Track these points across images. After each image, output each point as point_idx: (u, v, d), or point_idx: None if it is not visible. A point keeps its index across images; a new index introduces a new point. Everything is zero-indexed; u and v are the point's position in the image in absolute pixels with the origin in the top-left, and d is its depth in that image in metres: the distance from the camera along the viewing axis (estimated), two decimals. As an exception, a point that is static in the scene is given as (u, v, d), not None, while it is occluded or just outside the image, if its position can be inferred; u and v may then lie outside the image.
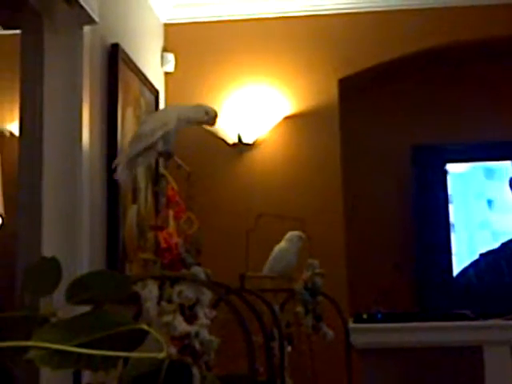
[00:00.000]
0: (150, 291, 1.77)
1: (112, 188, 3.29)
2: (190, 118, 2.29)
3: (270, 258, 3.25)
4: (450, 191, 4.59)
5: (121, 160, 2.32)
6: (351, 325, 3.89)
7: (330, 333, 3.16)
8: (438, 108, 4.84)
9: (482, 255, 4.58)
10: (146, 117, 3.70)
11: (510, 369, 4.10)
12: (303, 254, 3.24)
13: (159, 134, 2.19)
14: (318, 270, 3.17)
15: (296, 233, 3.24)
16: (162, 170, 2.17)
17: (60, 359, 0.67)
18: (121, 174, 2.33)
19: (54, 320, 0.74)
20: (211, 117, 2.32)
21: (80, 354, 0.67)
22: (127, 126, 3.52)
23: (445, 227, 4.57)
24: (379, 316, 4.28)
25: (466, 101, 4.82)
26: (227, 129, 4.32)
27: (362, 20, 4.41)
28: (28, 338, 0.67)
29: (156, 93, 4.14)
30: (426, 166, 4.66)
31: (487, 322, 4.18)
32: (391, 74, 4.74)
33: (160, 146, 2.20)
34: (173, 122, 2.19)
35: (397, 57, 4.44)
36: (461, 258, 4.59)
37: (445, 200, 4.59)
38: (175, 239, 1.93)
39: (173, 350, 1.71)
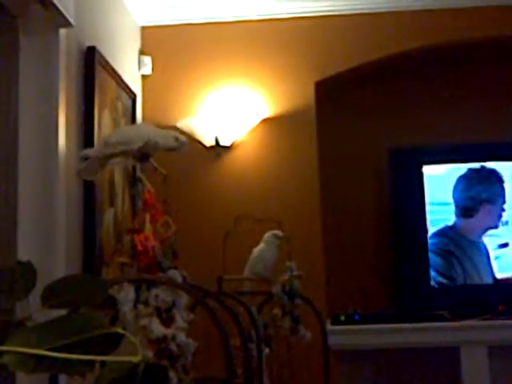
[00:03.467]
0: (126, 295, 1.77)
1: (88, 191, 3.28)
2: (158, 144, 2.26)
3: (249, 260, 3.25)
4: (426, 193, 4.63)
5: (89, 158, 2.30)
6: (329, 326, 3.90)
7: (308, 335, 3.16)
8: (415, 111, 4.87)
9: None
10: (122, 126, 3.69)
11: (487, 369, 4.13)
12: (281, 255, 3.24)
13: (119, 149, 2.17)
14: (295, 273, 3.18)
15: (272, 232, 3.25)
16: (138, 173, 2.16)
17: (35, 363, 0.66)
18: (86, 172, 2.33)
19: (29, 324, 0.74)
20: (181, 144, 2.29)
21: (56, 358, 0.67)
22: (104, 129, 3.51)
23: (422, 229, 4.60)
24: (356, 317, 4.30)
25: (442, 103, 4.86)
26: (204, 131, 4.32)
27: (338, 23, 4.42)
28: (3, 343, 0.67)
29: (133, 96, 4.13)
30: (403, 168, 4.68)
31: (464, 322, 4.21)
32: (368, 77, 4.76)
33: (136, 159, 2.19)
34: (137, 144, 2.17)
35: (373, 60, 4.46)
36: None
37: (421, 202, 4.62)
38: (152, 242, 1.93)
39: (149, 354, 1.70)
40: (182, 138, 2.30)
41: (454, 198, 4.67)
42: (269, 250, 3.23)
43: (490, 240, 4.65)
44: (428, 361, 4.42)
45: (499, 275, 4.58)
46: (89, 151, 2.34)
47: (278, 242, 3.25)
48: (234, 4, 4.42)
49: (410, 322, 4.26)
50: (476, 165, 4.69)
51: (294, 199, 4.31)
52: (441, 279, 4.60)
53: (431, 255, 4.59)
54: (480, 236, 4.66)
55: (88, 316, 0.72)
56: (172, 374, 1.71)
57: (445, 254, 4.64)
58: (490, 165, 4.68)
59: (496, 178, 4.69)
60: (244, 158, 4.37)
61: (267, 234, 3.27)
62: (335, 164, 4.78)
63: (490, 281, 4.58)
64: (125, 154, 2.17)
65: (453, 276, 4.61)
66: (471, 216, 4.68)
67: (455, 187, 4.68)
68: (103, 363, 0.70)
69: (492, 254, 4.62)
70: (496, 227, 4.65)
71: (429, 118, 4.84)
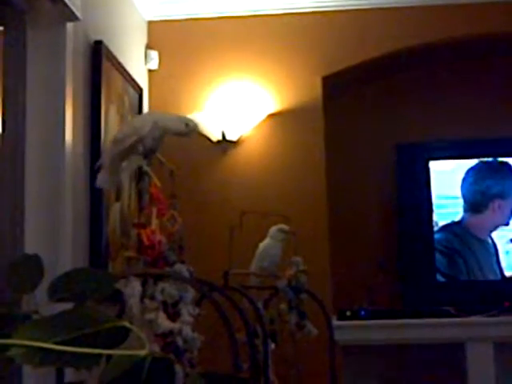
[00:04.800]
0: (132, 289, 1.77)
1: (95, 185, 3.28)
2: (168, 128, 2.23)
3: (256, 254, 3.25)
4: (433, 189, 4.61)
5: (102, 166, 2.29)
6: (335, 322, 3.90)
7: (314, 330, 3.16)
8: (422, 106, 4.85)
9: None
10: (126, 121, 3.69)
11: (493, 365, 4.13)
12: (288, 250, 3.24)
13: (131, 140, 2.15)
14: (301, 268, 3.18)
15: (278, 226, 3.25)
16: (144, 167, 2.16)
17: (42, 357, 0.66)
18: (101, 181, 2.30)
19: (36, 317, 0.74)
20: (191, 129, 2.27)
21: (62, 352, 0.67)
22: (110, 123, 3.51)
23: (428, 224, 4.59)
24: (363, 313, 4.29)
25: (450, 98, 4.84)
26: (211, 126, 4.31)
27: (345, 18, 4.41)
28: (10, 336, 0.67)
29: (140, 90, 4.13)
30: (410, 163, 4.66)
31: (470, 318, 4.20)
32: (375, 72, 4.75)
33: (141, 150, 2.17)
34: (146, 129, 2.16)
35: (380, 55, 4.45)
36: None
37: (428, 197, 4.61)
38: (158, 237, 1.93)
39: (156, 348, 1.70)
40: (193, 122, 2.26)
41: (462, 192, 4.61)
42: (275, 245, 3.23)
43: (500, 234, 4.59)
44: (433, 356, 4.42)
45: (508, 273, 4.54)
46: (100, 160, 2.33)
47: (284, 236, 3.25)
48: (240, -1, 4.42)
49: (416, 317, 4.26)
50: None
51: (300, 194, 4.30)
52: (445, 277, 4.58)
53: (436, 252, 4.58)
54: (489, 233, 4.60)
55: (95, 310, 0.72)
56: (178, 368, 1.71)
57: (449, 251, 4.61)
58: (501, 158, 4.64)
59: (509, 172, 4.61)
60: (250, 153, 4.37)
61: (273, 229, 3.26)
62: (342, 159, 4.77)
63: (497, 278, 4.56)
64: (137, 144, 2.15)
65: (457, 274, 4.59)
66: (480, 212, 4.62)
67: (464, 180, 4.60)
68: (109, 357, 0.70)
69: (501, 249, 4.57)
70: (507, 224, 4.57)
71: (436, 113, 4.82)
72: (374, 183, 4.83)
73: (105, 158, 2.31)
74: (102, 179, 2.28)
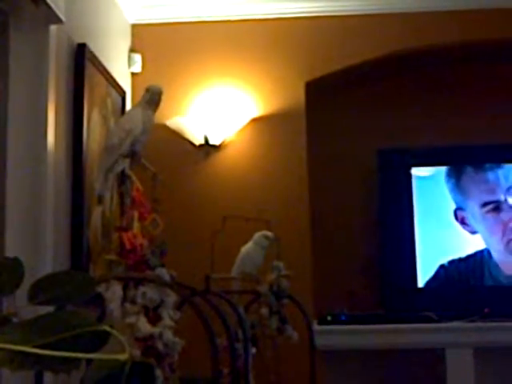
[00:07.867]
0: (113, 292, 1.76)
1: (77, 188, 3.27)
2: (144, 105, 2.30)
3: (237, 259, 3.25)
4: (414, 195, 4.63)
5: (98, 176, 2.32)
6: (315, 326, 3.90)
7: (295, 334, 3.17)
8: (404, 112, 4.87)
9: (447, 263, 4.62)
10: (112, 127, 3.69)
11: (472, 371, 4.14)
12: (270, 255, 3.24)
13: (128, 142, 2.19)
14: (283, 272, 3.18)
15: (262, 233, 3.25)
16: (127, 170, 2.16)
17: (21, 360, 0.66)
18: (102, 190, 2.34)
19: (15, 320, 0.74)
20: (154, 91, 2.33)
21: (41, 356, 0.66)
22: (93, 126, 3.50)
23: (410, 230, 4.60)
24: (343, 317, 4.30)
25: (432, 105, 4.86)
26: (194, 130, 4.31)
27: (328, 24, 4.43)
28: (-12, 339, 0.67)
29: (123, 93, 4.12)
30: (392, 169, 4.68)
31: (450, 324, 4.22)
32: (358, 78, 4.77)
33: (127, 150, 2.20)
34: (138, 129, 2.19)
35: (363, 61, 4.46)
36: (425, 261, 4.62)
37: (409, 204, 4.62)
38: (140, 240, 1.92)
39: (136, 352, 1.70)
40: (154, 86, 2.36)
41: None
42: (257, 250, 3.23)
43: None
44: (414, 362, 4.43)
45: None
46: (97, 175, 2.38)
47: (267, 243, 3.25)
48: (224, 3, 4.42)
49: (397, 322, 4.27)
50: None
51: (282, 199, 4.30)
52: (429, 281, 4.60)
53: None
54: None
55: (75, 313, 0.72)
56: (159, 372, 1.71)
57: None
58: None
59: None
60: (233, 158, 4.37)
61: (257, 234, 3.27)
62: (324, 164, 4.78)
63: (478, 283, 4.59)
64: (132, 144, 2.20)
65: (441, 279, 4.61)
66: None
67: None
68: (89, 361, 0.69)
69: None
70: None
71: (418, 119, 4.84)
72: (356, 188, 4.83)
73: (102, 165, 2.33)
74: (101, 187, 2.31)
